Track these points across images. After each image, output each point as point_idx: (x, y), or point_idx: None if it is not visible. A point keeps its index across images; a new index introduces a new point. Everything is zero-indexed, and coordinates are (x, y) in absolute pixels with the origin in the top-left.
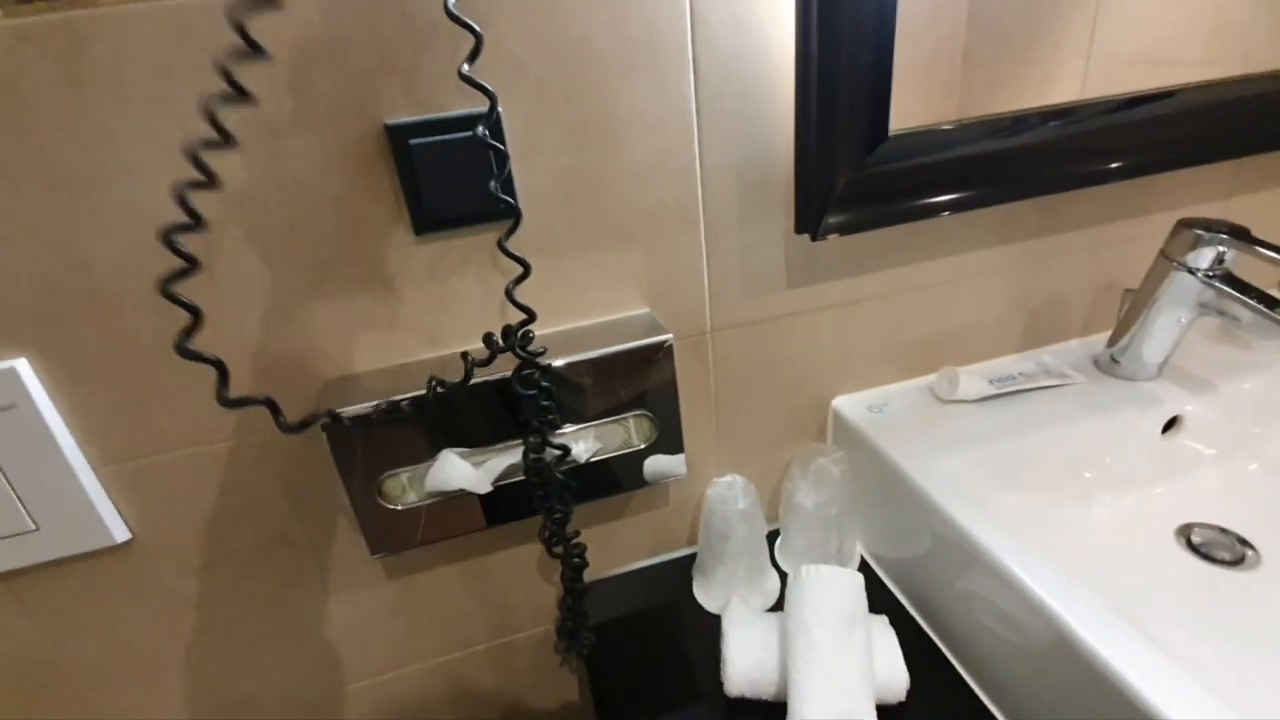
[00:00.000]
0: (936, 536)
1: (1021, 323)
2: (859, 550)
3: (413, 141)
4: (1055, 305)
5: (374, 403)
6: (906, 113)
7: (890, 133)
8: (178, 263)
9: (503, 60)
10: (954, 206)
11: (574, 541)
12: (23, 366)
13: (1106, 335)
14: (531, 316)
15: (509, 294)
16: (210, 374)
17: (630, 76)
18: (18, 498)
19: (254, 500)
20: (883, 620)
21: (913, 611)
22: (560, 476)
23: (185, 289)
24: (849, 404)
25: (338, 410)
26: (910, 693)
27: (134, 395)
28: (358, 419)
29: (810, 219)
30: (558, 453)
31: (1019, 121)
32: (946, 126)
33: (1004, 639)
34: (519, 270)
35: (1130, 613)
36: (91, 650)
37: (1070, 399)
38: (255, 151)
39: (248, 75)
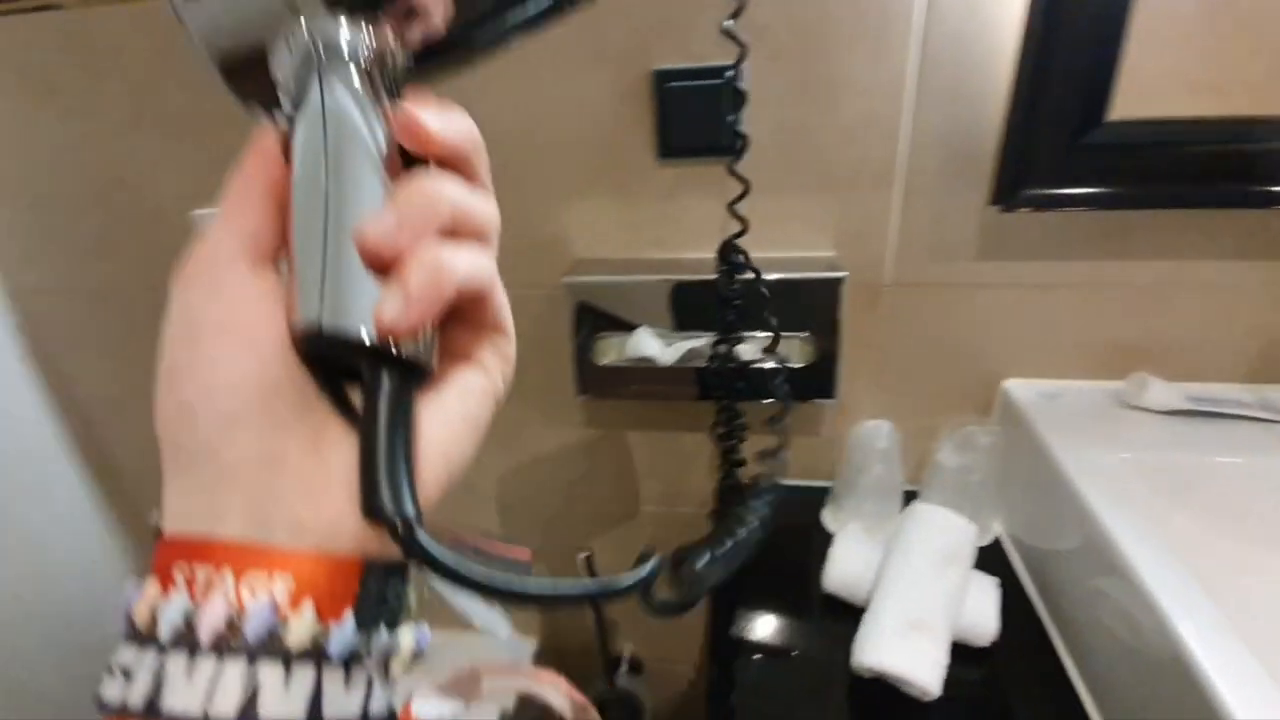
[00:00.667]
0: (1083, 536)
1: (1253, 352)
2: (996, 527)
3: (670, 84)
4: None
5: (604, 277)
6: (1140, 100)
7: (1107, 119)
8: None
9: (750, 24)
10: (1165, 203)
11: (738, 421)
12: None
13: None
14: (745, 227)
15: (730, 206)
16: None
17: (855, 45)
18: None
19: None
20: (991, 578)
21: (1033, 594)
22: (738, 368)
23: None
24: (1021, 387)
25: (580, 279)
26: (998, 646)
27: None
28: (591, 287)
29: (1005, 190)
30: (728, 345)
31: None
32: (1178, 119)
33: (1119, 639)
34: (739, 191)
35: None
36: None
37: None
38: (560, 77)
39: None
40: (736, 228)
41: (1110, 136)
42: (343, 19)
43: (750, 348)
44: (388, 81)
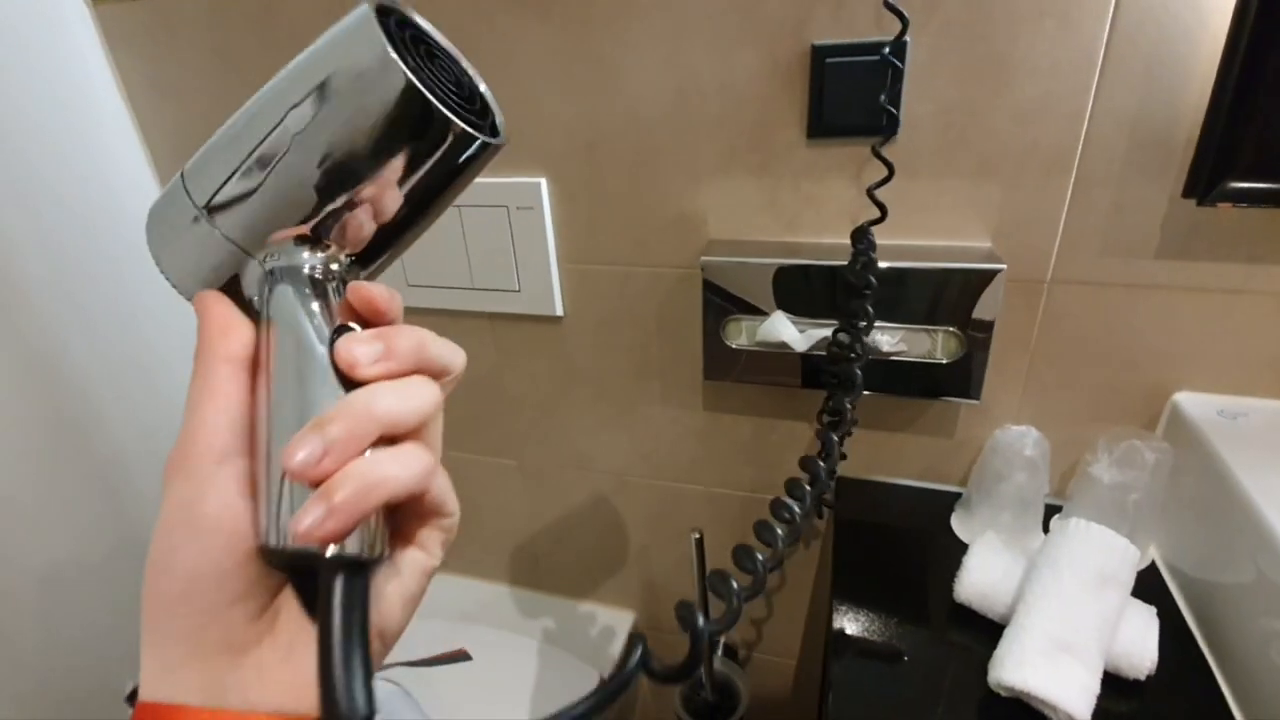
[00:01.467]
0: (1261, 569)
1: None
2: (1152, 553)
3: (829, 60)
4: None
5: (741, 259)
6: None
7: None
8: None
9: None
10: None
11: (850, 414)
12: (543, 183)
13: None
14: (884, 213)
15: (870, 190)
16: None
17: (1043, 20)
18: (516, 267)
19: (638, 315)
20: (1149, 607)
21: (1194, 627)
22: (855, 357)
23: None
24: (1195, 402)
25: (716, 259)
26: (1154, 680)
27: (591, 221)
28: (726, 268)
29: (1202, 181)
30: (857, 337)
31: None
32: None
33: None
34: (884, 175)
35: None
36: (512, 383)
37: None
38: (711, 51)
39: None
40: (896, 212)
41: None
42: (292, 246)
43: (888, 339)
44: (335, 282)
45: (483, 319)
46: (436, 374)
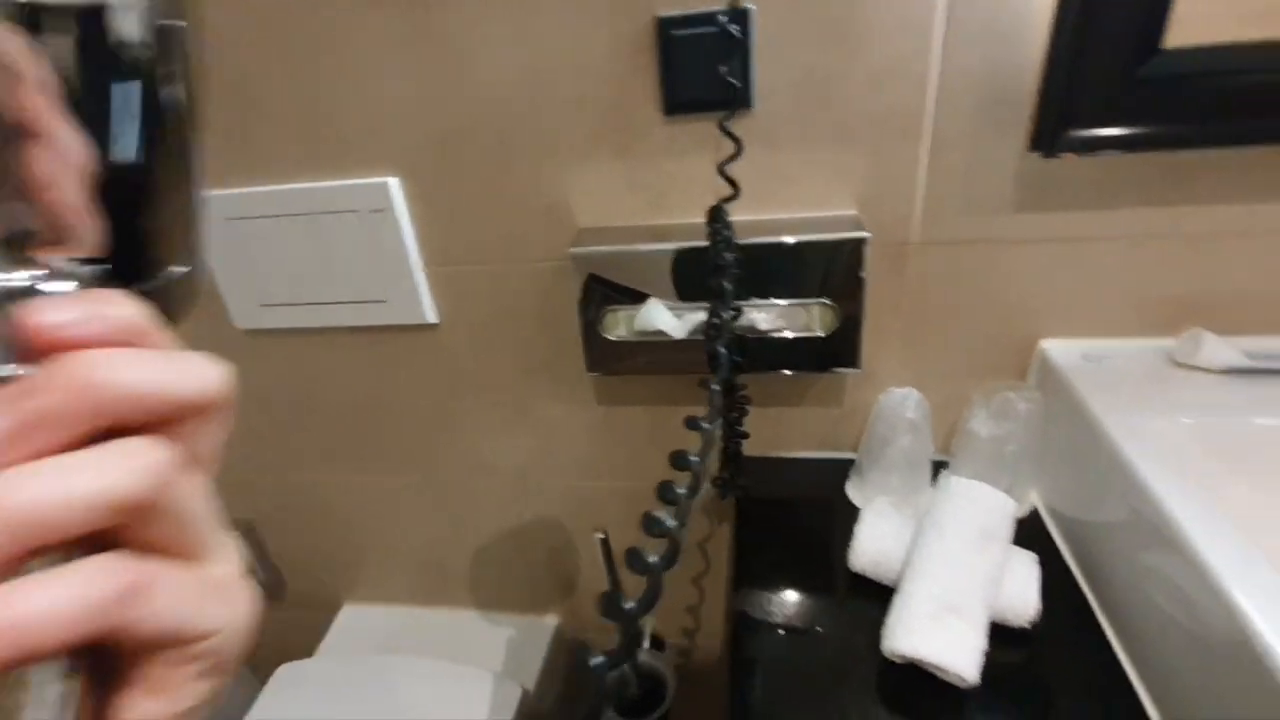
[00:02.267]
0: (1132, 507)
1: None
2: (1033, 499)
3: (674, 32)
4: None
5: (611, 247)
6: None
7: (1166, 46)
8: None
9: None
10: (1237, 139)
11: (740, 394)
12: (393, 183)
13: None
14: (736, 191)
15: (720, 168)
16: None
17: None
18: (377, 275)
19: (517, 313)
20: (1030, 555)
21: (1075, 569)
22: (732, 335)
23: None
24: (1060, 348)
25: (587, 249)
26: (1040, 627)
27: (453, 219)
28: (598, 258)
29: (1047, 134)
30: (731, 314)
31: None
32: (1243, 43)
33: (1175, 622)
34: (734, 148)
35: None
36: (396, 397)
37: None
38: (563, 33)
39: None
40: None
41: (1168, 66)
42: None
43: (765, 316)
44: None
45: (352, 334)
46: (167, 416)
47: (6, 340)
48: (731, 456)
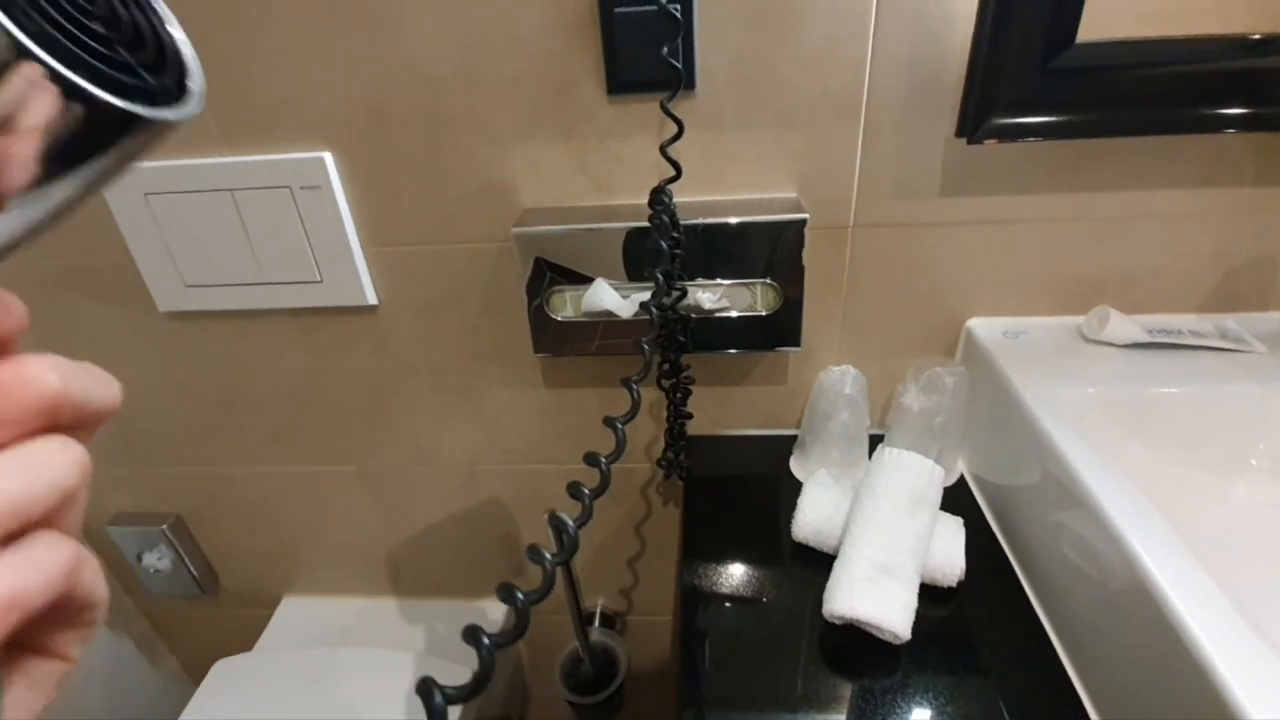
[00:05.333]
0: (1044, 469)
1: (1212, 281)
2: (960, 467)
3: (617, 10)
4: (1260, 268)
5: (556, 227)
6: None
7: (1079, 40)
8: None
9: None
10: (1140, 128)
11: (684, 375)
12: (328, 158)
13: None
14: (678, 173)
15: (663, 149)
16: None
17: None
18: (313, 255)
19: (462, 295)
20: (956, 519)
21: (997, 531)
22: (676, 317)
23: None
24: (984, 326)
25: (531, 229)
26: (964, 585)
27: (391, 197)
28: (543, 239)
29: (970, 121)
30: (676, 295)
31: (1249, 43)
32: (1152, 39)
33: (1082, 572)
34: (676, 130)
35: (1240, 599)
36: (333, 383)
37: (1239, 364)
38: (500, 6)
39: None
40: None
41: (1081, 59)
42: None
43: (709, 295)
44: None
45: (284, 316)
46: (79, 421)
47: None
48: (676, 437)
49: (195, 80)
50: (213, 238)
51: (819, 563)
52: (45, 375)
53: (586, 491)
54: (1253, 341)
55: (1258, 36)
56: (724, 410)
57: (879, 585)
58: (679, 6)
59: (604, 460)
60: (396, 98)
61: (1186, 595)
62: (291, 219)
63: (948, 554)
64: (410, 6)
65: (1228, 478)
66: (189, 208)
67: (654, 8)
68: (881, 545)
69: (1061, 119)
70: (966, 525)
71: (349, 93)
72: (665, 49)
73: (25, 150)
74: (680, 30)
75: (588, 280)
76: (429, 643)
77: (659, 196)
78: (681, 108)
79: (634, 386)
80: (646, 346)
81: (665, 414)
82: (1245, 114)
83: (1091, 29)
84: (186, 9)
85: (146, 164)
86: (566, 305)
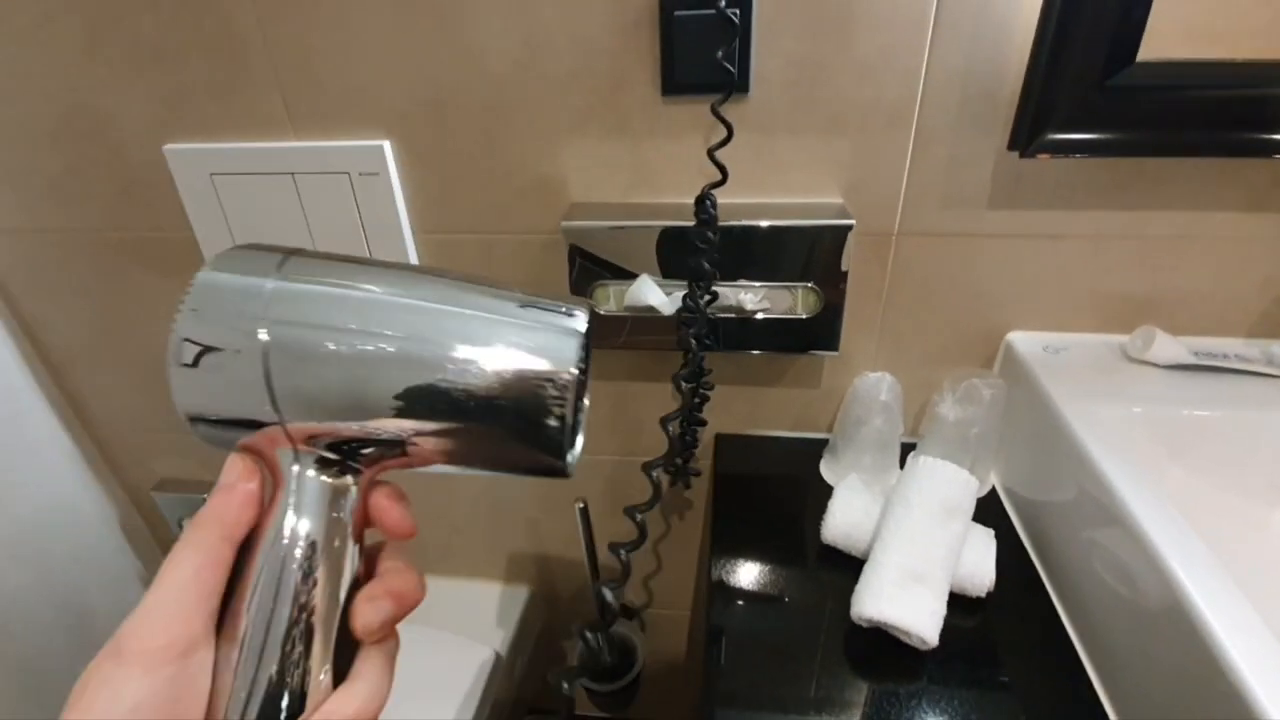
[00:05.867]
0: (1081, 487)
1: (1260, 306)
2: (992, 480)
3: (677, 13)
4: None
5: (603, 222)
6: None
7: (1139, 59)
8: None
9: None
10: (1194, 149)
11: (704, 379)
12: (387, 147)
13: None
14: (725, 177)
15: (711, 153)
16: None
17: None
18: (365, 238)
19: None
20: (988, 530)
21: (1028, 545)
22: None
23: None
24: (1025, 340)
25: (580, 223)
26: (993, 597)
27: (445, 186)
28: (590, 233)
29: (1024, 134)
30: (708, 298)
31: None
32: (1212, 61)
33: (1115, 590)
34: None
35: (1278, 625)
36: None
37: None
38: (559, 5)
39: None
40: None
41: (1141, 78)
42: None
43: (751, 297)
44: (353, 488)
45: None
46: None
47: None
48: (687, 443)
49: (576, 453)
50: (272, 218)
51: (846, 566)
52: (423, 587)
53: (610, 596)
54: None
55: None
56: (756, 410)
57: (909, 591)
58: (737, 11)
59: (624, 550)
60: (456, 90)
61: (1225, 618)
62: (348, 203)
63: (978, 564)
64: (477, 3)
65: (1267, 504)
66: (252, 188)
67: (710, 12)
68: (913, 552)
69: (1117, 136)
70: (997, 537)
71: (411, 84)
72: (720, 53)
73: None
74: (737, 35)
75: (626, 275)
76: (454, 620)
77: (704, 201)
78: (733, 111)
79: (653, 474)
80: (693, 340)
81: (679, 419)
82: None
83: (1148, 48)
84: (269, 2)
85: (214, 145)
86: (610, 299)
